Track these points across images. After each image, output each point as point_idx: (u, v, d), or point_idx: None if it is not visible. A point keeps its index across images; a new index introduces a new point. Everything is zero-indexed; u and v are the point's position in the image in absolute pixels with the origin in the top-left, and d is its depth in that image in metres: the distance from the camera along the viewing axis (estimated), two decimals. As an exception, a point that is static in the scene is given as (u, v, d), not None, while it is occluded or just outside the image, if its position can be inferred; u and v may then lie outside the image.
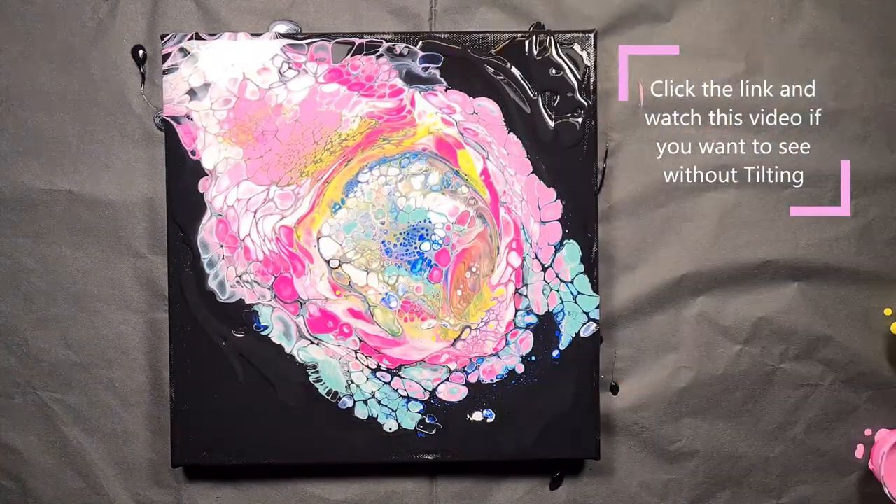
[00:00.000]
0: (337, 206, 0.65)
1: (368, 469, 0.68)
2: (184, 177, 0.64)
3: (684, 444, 0.69)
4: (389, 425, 0.65)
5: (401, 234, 0.65)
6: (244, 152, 0.64)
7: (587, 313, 0.65)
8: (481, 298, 0.65)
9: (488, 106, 0.65)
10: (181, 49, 0.64)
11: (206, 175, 0.64)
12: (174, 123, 0.64)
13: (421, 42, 0.64)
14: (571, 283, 0.65)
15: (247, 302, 0.64)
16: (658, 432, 0.69)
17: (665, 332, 0.69)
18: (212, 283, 0.64)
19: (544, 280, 0.65)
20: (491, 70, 0.65)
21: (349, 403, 0.65)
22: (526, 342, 0.65)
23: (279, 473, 0.68)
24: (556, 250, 0.65)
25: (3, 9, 0.67)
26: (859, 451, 0.70)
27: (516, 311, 0.65)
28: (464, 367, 0.65)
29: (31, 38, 0.67)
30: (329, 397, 0.65)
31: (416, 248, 0.65)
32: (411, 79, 0.65)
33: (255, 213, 0.64)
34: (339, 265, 0.65)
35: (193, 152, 0.64)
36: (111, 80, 0.67)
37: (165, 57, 0.64)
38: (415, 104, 0.65)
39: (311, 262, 0.65)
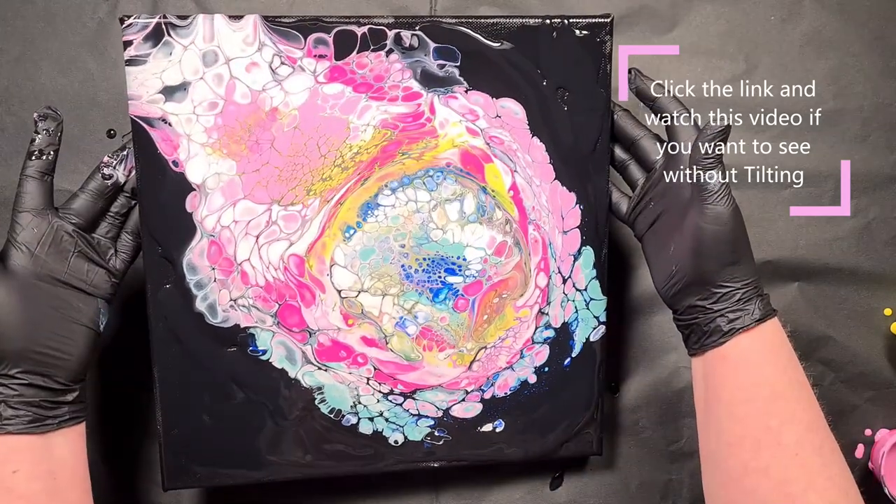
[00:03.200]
0: (351, 230, 0.58)
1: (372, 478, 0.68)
2: (165, 191, 0.56)
3: (684, 444, 0.69)
4: (395, 438, 0.62)
5: (424, 259, 0.60)
6: (237, 166, 0.56)
7: (597, 317, 0.63)
8: (503, 318, 0.62)
9: (512, 107, 0.59)
10: (146, 38, 0.55)
11: (194, 191, 0.56)
12: (146, 126, 0.56)
13: (423, 28, 0.57)
14: (585, 290, 0.63)
15: (242, 326, 0.58)
16: (658, 432, 0.69)
17: (665, 332, 0.69)
18: (200, 306, 0.58)
19: (563, 293, 0.62)
20: (507, 63, 0.59)
21: (353, 420, 0.61)
22: (541, 355, 0.63)
23: (278, 489, 0.67)
24: (575, 259, 0.62)
25: (3, 9, 0.67)
26: (859, 451, 0.70)
27: (536, 328, 0.62)
28: (480, 387, 0.62)
29: (31, 38, 0.67)
30: (332, 415, 0.61)
31: (440, 277, 0.60)
32: (427, 79, 0.58)
33: (257, 237, 0.57)
34: (357, 295, 0.59)
35: (175, 163, 0.56)
36: (111, 80, 0.67)
37: (127, 44, 0.55)
38: (435, 111, 0.58)
39: (322, 292, 0.59)
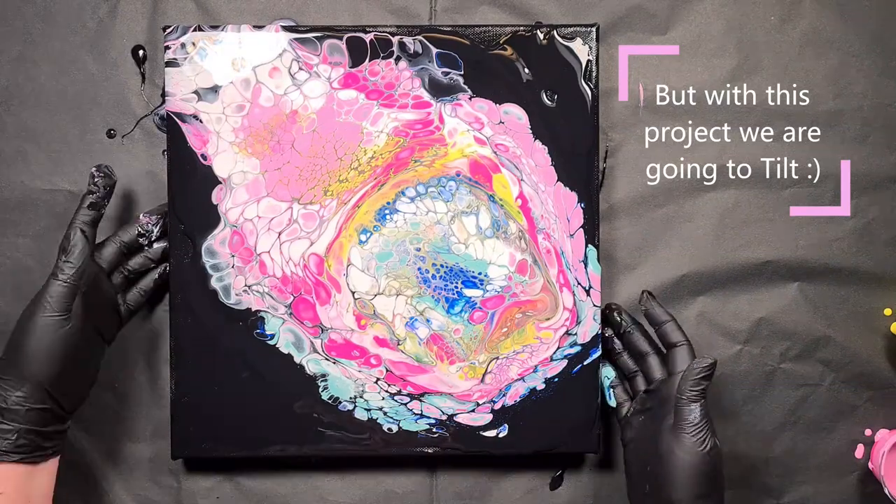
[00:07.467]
0: (367, 233, 0.62)
1: (369, 467, 0.68)
2: (193, 180, 0.62)
3: (684, 444, 0.69)
4: (390, 426, 0.64)
5: (441, 266, 0.62)
6: (261, 164, 0.61)
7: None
8: (522, 334, 0.63)
9: (515, 112, 0.62)
10: (183, 44, 0.61)
11: (220, 184, 0.62)
12: (179, 121, 0.62)
13: (423, 35, 0.62)
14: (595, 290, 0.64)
15: (254, 309, 0.63)
16: (658, 432, 0.69)
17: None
18: (215, 284, 0.62)
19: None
20: (505, 69, 0.62)
21: (349, 407, 0.64)
22: (556, 368, 0.64)
23: (279, 470, 0.68)
24: (585, 266, 0.64)
25: (3, 9, 0.67)
26: (859, 451, 0.70)
27: (558, 348, 0.64)
28: (492, 399, 0.64)
29: (31, 38, 0.67)
30: (330, 401, 0.63)
31: (457, 288, 0.62)
32: (435, 88, 0.62)
33: (279, 234, 0.62)
34: (373, 298, 0.62)
35: (204, 156, 0.62)
36: (111, 80, 0.67)
37: (167, 49, 0.62)
38: (444, 121, 0.62)
39: (338, 292, 0.62)
